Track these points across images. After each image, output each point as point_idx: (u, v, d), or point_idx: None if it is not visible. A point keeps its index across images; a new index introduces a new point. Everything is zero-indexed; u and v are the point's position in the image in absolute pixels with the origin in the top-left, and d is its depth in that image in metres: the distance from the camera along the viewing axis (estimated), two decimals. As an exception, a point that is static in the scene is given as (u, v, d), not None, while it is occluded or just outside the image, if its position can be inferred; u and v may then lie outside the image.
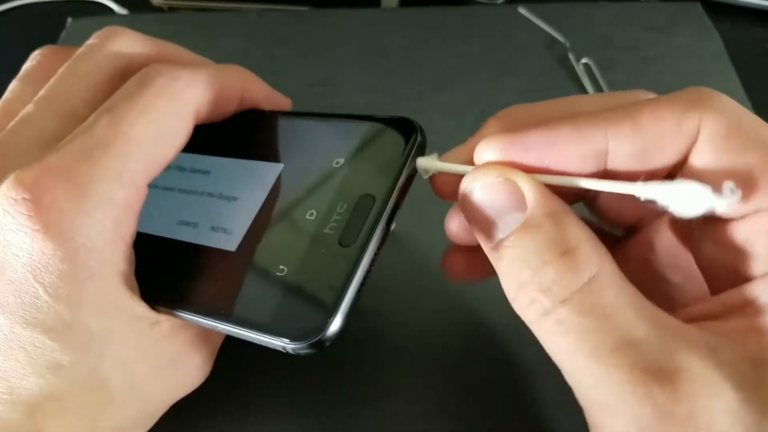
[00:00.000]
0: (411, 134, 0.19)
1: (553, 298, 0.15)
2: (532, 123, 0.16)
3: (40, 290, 0.17)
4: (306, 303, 0.17)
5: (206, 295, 0.19)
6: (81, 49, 0.21)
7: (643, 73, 0.36)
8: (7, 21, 0.44)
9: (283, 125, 0.22)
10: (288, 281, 0.18)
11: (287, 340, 0.17)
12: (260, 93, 0.23)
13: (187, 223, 0.21)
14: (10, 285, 0.17)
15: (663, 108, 0.17)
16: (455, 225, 0.19)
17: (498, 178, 0.16)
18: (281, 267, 0.18)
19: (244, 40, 0.38)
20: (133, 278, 0.19)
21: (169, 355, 0.20)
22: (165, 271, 0.20)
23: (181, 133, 0.20)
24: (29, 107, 0.20)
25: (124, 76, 0.20)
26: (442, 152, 0.19)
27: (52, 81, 0.20)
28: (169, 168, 0.20)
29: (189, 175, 0.22)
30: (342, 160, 0.19)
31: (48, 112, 0.19)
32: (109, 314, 0.18)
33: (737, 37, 0.38)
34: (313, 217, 0.19)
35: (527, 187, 0.16)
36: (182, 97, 0.19)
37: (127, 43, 0.22)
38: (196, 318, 0.19)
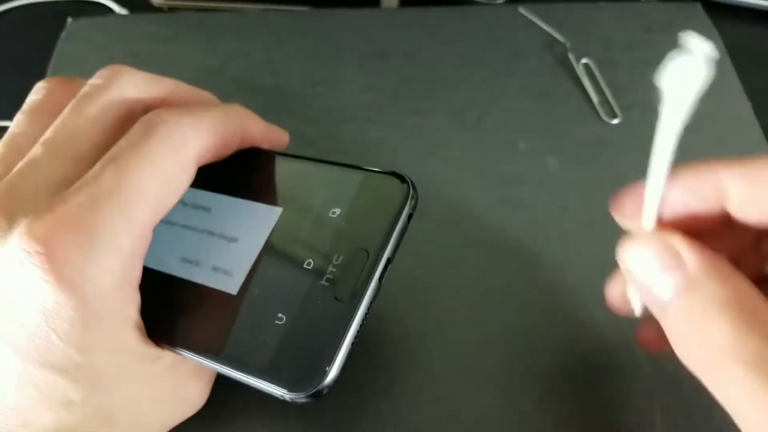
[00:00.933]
0: (404, 191, 0.20)
1: (726, 354, 0.15)
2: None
3: (53, 336, 0.18)
4: (304, 355, 0.18)
5: (207, 336, 0.20)
6: (86, 89, 0.22)
7: (643, 73, 0.35)
8: (7, 21, 0.44)
9: (283, 168, 0.23)
10: (286, 331, 0.19)
11: (285, 390, 0.18)
12: (259, 132, 0.23)
13: (189, 261, 0.22)
14: (24, 329, 0.18)
15: None
16: (615, 293, 0.21)
17: (651, 242, 0.17)
18: (280, 315, 0.19)
19: (244, 41, 0.38)
20: (139, 318, 0.20)
21: (171, 386, 0.21)
22: (168, 308, 0.21)
23: (185, 180, 0.20)
24: (36, 149, 0.20)
25: (129, 119, 0.21)
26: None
27: (57, 122, 0.21)
28: (184, 205, 0.22)
29: (191, 211, 0.23)
30: (338, 211, 0.20)
31: (55, 155, 0.20)
32: (116, 354, 0.19)
33: (737, 37, 0.38)
34: (310, 267, 0.19)
35: (683, 247, 0.16)
36: (185, 145, 0.20)
37: (131, 84, 0.22)
38: (196, 358, 0.20)
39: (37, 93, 0.23)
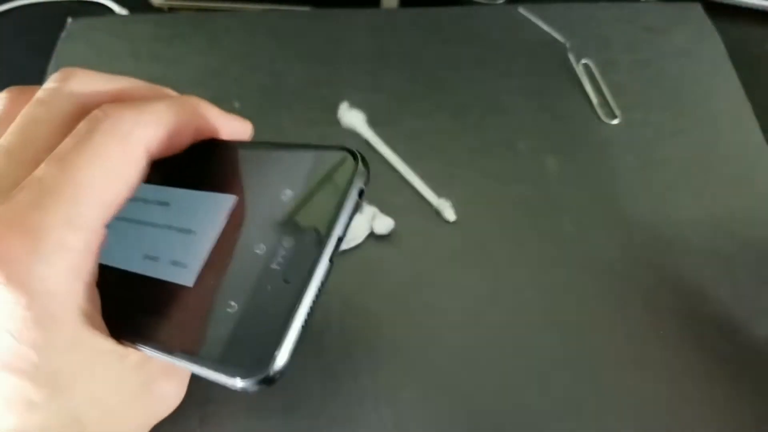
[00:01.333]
0: (352, 166, 0.19)
1: None
2: None
3: (7, 336, 0.18)
4: (253, 341, 0.18)
5: (164, 331, 0.20)
6: (38, 93, 0.22)
7: (643, 73, 0.36)
8: (7, 21, 0.44)
9: (237, 156, 0.23)
10: (236, 318, 0.19)
11: (238, 378, 0.17)
12: (215, 122, 0.23)
13: (150, 257, 0.22)
14: None
15: None
16: None
17: None
18: (231, 303, 0.19)
19: (244, 41, 0.38)
20: (97, 316, 0.20)
21: (140, 384, 0.21)
22: (130, 305, 0.21)
23: (133, 173, 0.20)
24: None
25: (81, 118, 0.21)
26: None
27: (11, 128, 0.21)
28: (134, 200, 0.21)
29: (151, 208, 0.23)
30: (289, 192, 0.20)
31: (8, 160, 0.20)
32: (75, 353, 0.19)
33: (737, 37, 0.38)
34: (261, 252, 0.19)
35: None
36: (131, 137, 0.20)
37: (82, 84, 0.22)
38: (157, 353, 0.20)
39: None
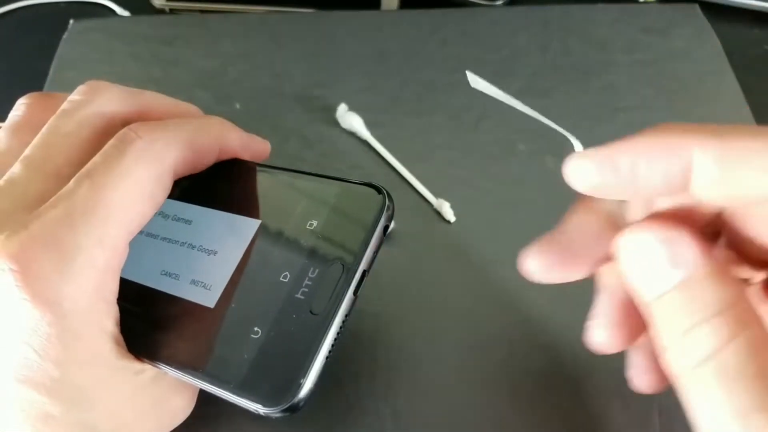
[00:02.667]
0: (379, 202, 0.20)
1: (704, 353, 0.15)
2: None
3: (30, 352, 0.18)
4: (278, 369, 0.18)
5: (184, 351, 0.20)
6: (64, 105, 0.22)
7: (641, 74, 0.36)
8: (9, 22, 0.44)
9: (262, 180, 0.23)
10: (261, 345, 0.19)
11: (259, 405, 0.18)
12: (237, 143, 0.23)
13: (169, 274, 0.22)
14: (0, 346, 0.18)
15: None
16: (543, 262, 0.20)
17: (658, 236, 0.16)
18: (255, 329, 0.19)
19: (245, 43, 0.38)
20: (117, 332, 0.20)
21: (154, 398, 0.21)
22: (147, 322, 0.21)
23: (160, 194, 0.20)
24: (15, 167, 0.20)
25: (107, 134, 0.21)
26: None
27: (36, 139, 0.21)
28: (164, 216, 0.22)
29: (172, 224, 0.23)
30: (315, 223, 0.20)
31: (33, 172, 0.20)
32: (95, 369, 0.19)
33: (735, 38, 0.38)
34: (286, 280, 0.19)
35: (688, 246, 0.16)
36: (160, 160, 0.20)
37: (109, 99, 0.22)
38: (172, 372, 0.20)
39: (17, 109, 0.23)
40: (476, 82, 0.20)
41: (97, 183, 0.19)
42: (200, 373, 0.19)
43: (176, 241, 0.22)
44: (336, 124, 0.34)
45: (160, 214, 0.23)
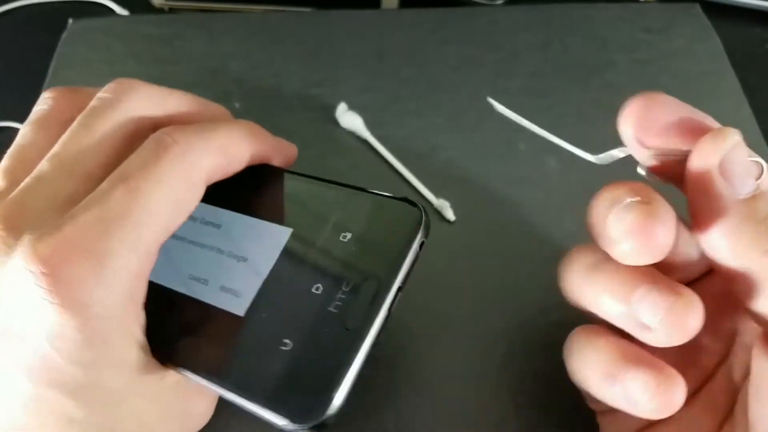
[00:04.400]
0: (416, 218, 0.19)
1: None
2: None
3: (57, 356, 0.18)
4: (308, 384, 0.18)
5: (210, 359, 0.20)
6: (95, 102, 0.21)
7: (641, 74, 0.36)
8: (8, 21, 0.44)
9: (294, 187, 0.22)
10: (291, 358, 0.18)
11: (287, 420, 0.17)
12: (268, 148, 0.23)
13: (197, 279, 0.21)
14: (28, 349, 0.18)
15: None
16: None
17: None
18: (285, 341, 0.18)
19: (244, 42, 0.38)
20: (143, 337, 0.20)
21: (176, 403, 0.21)
22: (173, 327, 0.20)
23: (193, 200, 0.20)
24: (44, 164, 0.20)
25: (138, 135, 0.21)
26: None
27: (65, 137, 0.21)
28: (193, 219, 0.21)
29: (201, 227, 0.22)
30: (349, 235, 0.20)
31: (63, 172, 0.20)
32: (120, 373, 0.19)
33: (736, 37, 0.38)
34: (319, 292, 0.19)
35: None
36: (196, 167, 0.20)
37: (142, 99, 0.22)
38: (197, 379, 0.19)
39: (43, 103, 0.22)
40: (498, 108, 0.20)
41: (133, 188, 0.19)
42: (226, 382, 0.19)
43: (205, 245, 0.22)
44: (336, 123, 0.34)
45: (195, 219, 0.22)
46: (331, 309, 0.18)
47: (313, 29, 0.39)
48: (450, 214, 0.30)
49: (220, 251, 0.21)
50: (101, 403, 0.19)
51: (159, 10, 0.43)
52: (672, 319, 0.17)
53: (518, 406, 0.25)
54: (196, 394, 0.21)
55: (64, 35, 0.39)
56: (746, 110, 0.34)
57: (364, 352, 0.18)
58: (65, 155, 0.20)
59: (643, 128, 0.19)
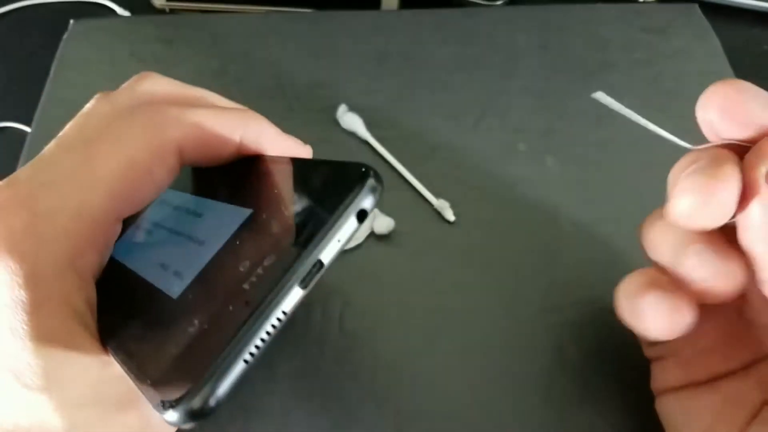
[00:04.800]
0: (355, 186, 0.17)
1: None
2: None
3: None
4: (192, 367, 0.16)
5: (133, 342, 0.18)
6: (113, 92, 0.21)
7: (641, 74, 0.36)
8: (9, 22, 0.44)
9: (267, 170, 0.21)
10: (191, 339, 0.16)
11: (161, 407, 0.15)
12: (263, 138, 0.21)
13: (162, 265, 0.20)
14: None
15: None
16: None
17: None
18: (195, 322, 0.17)
19: (245, 42, 0.38)
20: (88, 315, 0.18)
21: (121, 400, 0.18)
22: (122, 313, 0.19)
23: (160, 173, 0.19)
24: (50, 144, 0.20)
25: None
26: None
27: (73, 120, 0.20)
28: (177, 209, 0.21)
29: (185, 217, 0.22)
30: (294, 208, 0.18)
31: (58, 148, 0.20)
32: (56, 348, 0.17)
33: (735, 38, 0.38)
34: (243, 270, 0.17)
35: None
36: (165, 136, 0.19)
37: (152, 85, 0.21)
38: (120, 364, 0.18)
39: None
40: (606, 100, 0.19)
41: (90, 149, 0.18)
42: (131, 367, 0.17)
43: (182, 234, 0.21)
44: (336, 124, 0.34)
45: (181, 208, 0.22)
46: (245, 286, 0.17)
47: (313, 30, 0.39)
48: (450, 215, 0.30)
49: (189, 237, 0.21)
50: (27, 375, 0.17)
51: (160, 11, 0.44)
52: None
53: (517, 406, 0.25)
54: None
55: (65, 36, 0.39)
56: (745, 110, 0.34)
57: (257, 332, 0.15)
58: (63, 134, 0.20)
59: (726, 119, 0.18)
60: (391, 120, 0.34)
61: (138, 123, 0.19)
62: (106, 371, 0.18)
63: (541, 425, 0.25)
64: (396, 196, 0.31)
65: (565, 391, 0.25)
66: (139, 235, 0.21)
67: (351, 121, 0.33)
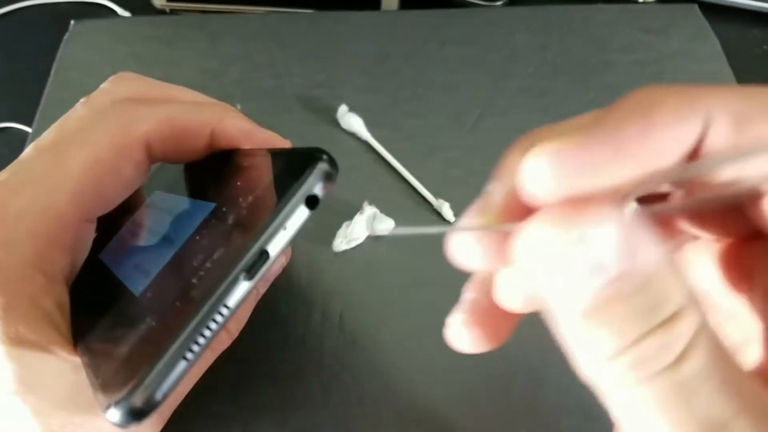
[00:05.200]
0: (306, 173, 0.16)
1: (643, 372, 0.12)
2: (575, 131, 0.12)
3: None
4: (135, 367, 0.15)
5: (98, 343, 0.18)
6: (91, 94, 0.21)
7: (640, 74, 0.36)
8: (10, 22, 0.44)
9: (235, 164, 0.20)
10: (140, 337, 0.16)
11: (104, 407, 0.15)
12: (234, 131, 0.21)
13: (136, 265, 0.20)
14: None
15: None
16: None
17: (568, 228, 0.12)
18: (147, 319, 0.16)
19: (245, 43, 0.38)
20: (58, 316, 0.18)
21: (95, 402, 0.18)
22: (94, 313, 0.19)
23: (129, 171, 0.19)
24: (27, 149, 0.20)
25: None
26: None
27: (53, 125, 0.21)
28: (162, 211, 0.20)
29: (163, 216, 0.22)
30: (249, 198, 0.17)
31: (36, 152, 0.20)
32: (27, 351, 0.17)
33: (734, 38, 0.39)
34: (196, 264, 0.17)
35: (613, 233, 0.11)
36: (130, 131, 0.19)
37: (128, 84, 0.21)
38: (84, 367, 0.17)
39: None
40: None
41: (58, 150, 0.18)
42: (90, 365, 0.17)
43: (157, 232, 0.21)
44: (336, 124, 0.34)
45: (166, 212, 0.22)
46: (194, 281, 0.16)
47: (313, 31, 0.39)
48: (450, 215, 0.30)
49: (162, 236, 0.20)
50: (3, 379, 0.16)
51: (160, 12, 0.44)
52: None
53: (517, 406, 0.25)
54: None
55: (66, 36, 0.39)
56: (745, 110, 0.34)
57: (195, 326, 0.15)
58: (42, 139, 0.20)
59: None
60: (391, 120, 0.34)
61: (106, 122, 0.19)
62: (80, 374, 0.18)
63: (540, 424, 0.25)
64: (396, 196, 0.31)
65: (565, 391, 0.25)
66: (125, 236, 0.21)
67: (351, 121, 0.33)
